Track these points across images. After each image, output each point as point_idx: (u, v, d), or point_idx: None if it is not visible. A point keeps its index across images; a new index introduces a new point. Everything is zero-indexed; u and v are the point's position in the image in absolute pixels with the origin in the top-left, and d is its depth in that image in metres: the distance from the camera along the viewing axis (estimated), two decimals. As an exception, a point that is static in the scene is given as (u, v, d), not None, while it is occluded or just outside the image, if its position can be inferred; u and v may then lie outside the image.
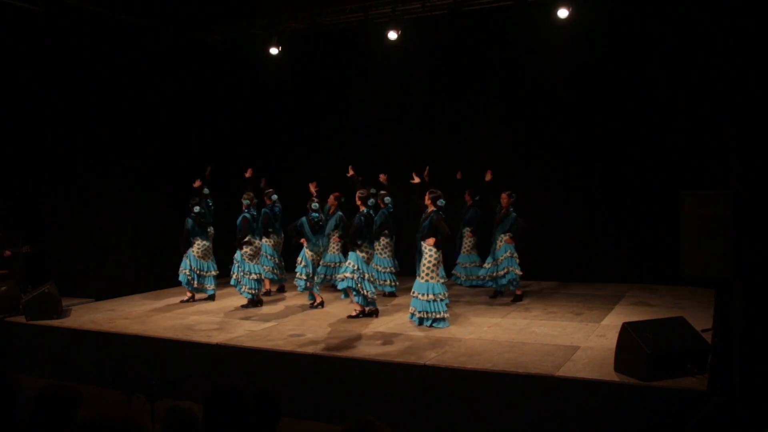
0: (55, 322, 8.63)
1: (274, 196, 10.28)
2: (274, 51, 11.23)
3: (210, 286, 10.02)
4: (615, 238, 10.18)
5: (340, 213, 9.31)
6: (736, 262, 4.71)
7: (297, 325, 8.12)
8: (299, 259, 9.39)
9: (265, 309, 9.30)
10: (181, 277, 9.92)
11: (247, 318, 8.62)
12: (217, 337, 7.52)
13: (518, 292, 9.29)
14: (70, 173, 10.33)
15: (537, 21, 10.02)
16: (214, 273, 10.04)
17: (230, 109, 12.72)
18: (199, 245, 9.89)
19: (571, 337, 7.01)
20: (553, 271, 10.68)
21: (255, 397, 3.41)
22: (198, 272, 9.91)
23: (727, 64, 7.40)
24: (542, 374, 5.75)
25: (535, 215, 10.68)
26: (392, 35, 10.33)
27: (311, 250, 9.37)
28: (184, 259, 9.91)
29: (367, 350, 6.77)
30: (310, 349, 6.87)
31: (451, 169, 11.19)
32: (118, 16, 10.34)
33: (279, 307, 9.50)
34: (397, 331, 7.62)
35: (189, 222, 9.83)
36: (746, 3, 4.98)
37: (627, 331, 5.62)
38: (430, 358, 6.38)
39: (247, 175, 10.47)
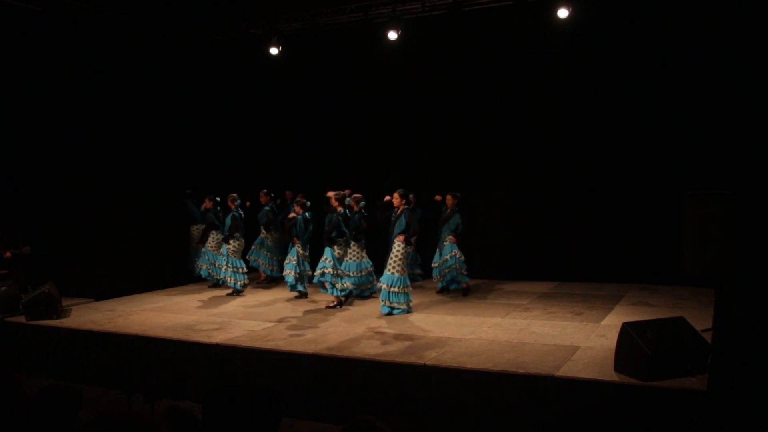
0: (55, 322, 8.63)
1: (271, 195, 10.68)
2: (274, 51, 11.26)
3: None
4: (615, 238, 10.16)
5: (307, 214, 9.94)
6: (736, 262, 4.70)
7: (297, 325, 8.12)
8: (291, 257, 9.72)
9: (262, 306, 9.34)
10: (202, 272, 10.91)
11: (247, 318, 8.63)
12: (217, 337, 7.53)
13: (465, 285, 9.73)
14: (70, 173, 10.33)
15: (537, 21, 10.03)
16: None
17: (230, 109, 12.73)
18: (214, 238, 10.74)
19: (571, 337, 7.01)
20: (553, 271, 10.70)
21: (255, 397, 3.40)
22: (215, 264, 10.70)
23: (727, 63, 7.40)
24: (542, 374, 5.75)
25: (535, 215, 10.72)
26: (392, 35, 10.35)
27: (301, 249, 9.74)
28: (203, 255, 10.88)
29: (367, 350, 6.77)
30: (310, 349, 6.87)
31: (450, 169, 11.20)
32: (118, 16, 10.34)
33: (276, 304, 9.53)
34: (397, 331, 7.62)
35: (210, 215, 10.73)
36: (747, 3, 4.99)
37: (627, 331, 5.62)
38: (430, 358, 6.38)
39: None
